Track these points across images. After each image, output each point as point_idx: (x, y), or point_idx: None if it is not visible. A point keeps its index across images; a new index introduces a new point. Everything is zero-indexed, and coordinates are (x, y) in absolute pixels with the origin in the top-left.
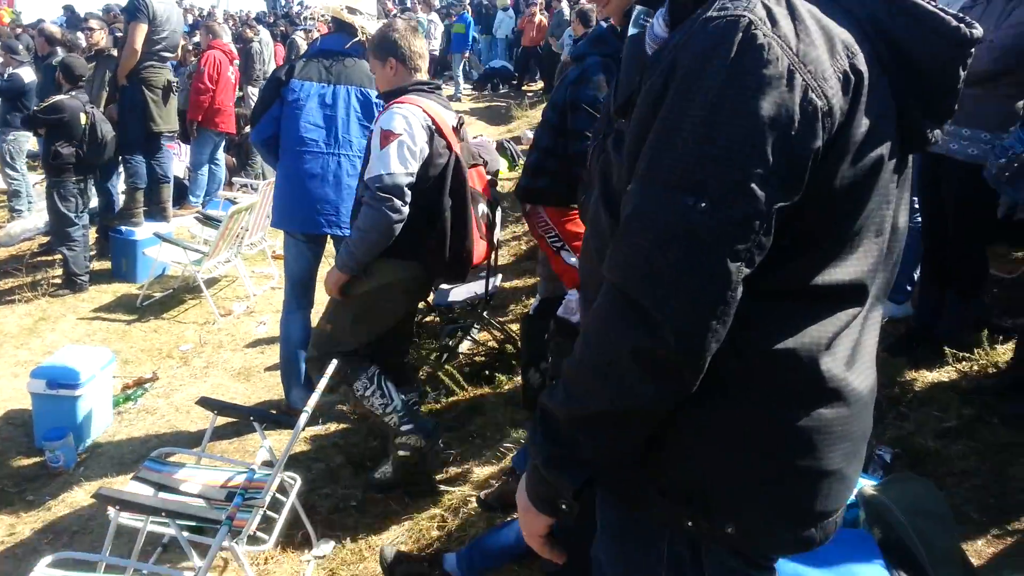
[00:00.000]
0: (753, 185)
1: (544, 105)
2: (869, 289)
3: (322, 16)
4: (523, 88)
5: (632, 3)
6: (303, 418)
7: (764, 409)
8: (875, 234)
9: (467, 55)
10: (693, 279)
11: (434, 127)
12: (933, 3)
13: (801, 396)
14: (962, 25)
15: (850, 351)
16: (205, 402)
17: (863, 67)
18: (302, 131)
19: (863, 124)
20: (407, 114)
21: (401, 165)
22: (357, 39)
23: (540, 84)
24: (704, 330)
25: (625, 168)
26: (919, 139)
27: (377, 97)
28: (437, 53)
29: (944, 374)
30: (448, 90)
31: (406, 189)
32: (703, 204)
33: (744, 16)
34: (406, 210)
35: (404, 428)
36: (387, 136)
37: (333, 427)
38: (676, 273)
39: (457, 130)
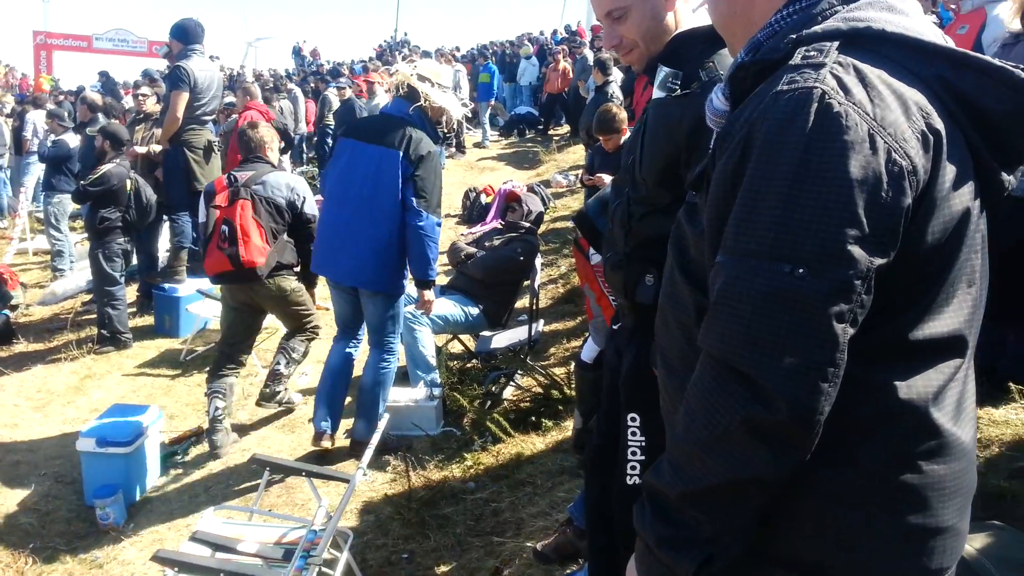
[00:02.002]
0: (850, 247)
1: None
2: (968, 340)
3: (392, 78)
4: (549, 133)
5: (649, 57)
6: (358, 475)
7: (878, 468)
8: (967, 284)
9: (492, 103)
10: (801, 345)
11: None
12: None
13: (913, 453)
14: None
15: (955, 404)
16: (258, 460)
17: (939, 125)
18: (329, 184)
19: (946, 180)
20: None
21: None
22: (419, 104)
23: (566, 128)
24: (817, 394)
25: (706, 241)
26: (996, 186)
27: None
28: (467, 102)
29: (1011, 412)
30: (476, 137)
31: None
32: (801, 270)
33: (816, 87)
34: None
35: None
36: None
37: (380, 478)
38: (783, 340)
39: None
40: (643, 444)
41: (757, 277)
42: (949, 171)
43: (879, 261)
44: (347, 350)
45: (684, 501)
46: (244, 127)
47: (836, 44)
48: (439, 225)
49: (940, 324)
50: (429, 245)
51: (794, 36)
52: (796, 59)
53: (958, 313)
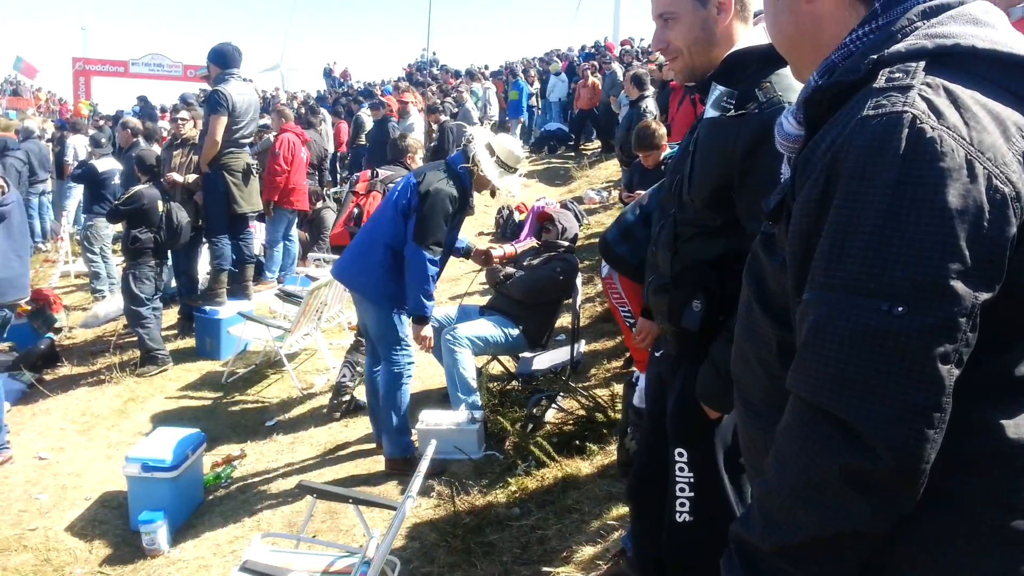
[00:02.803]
0: (952, 282)
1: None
2: None
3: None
4: (580, 148)
5: (691, 68)
6: (408, 503)
7: (983, 512)
8: None
9: (523, 120)
10: (903, 388)
11: None
12: None
13: (1016, 497)
14: None
15: None
16: (305, 488)
17: None
18: None
19: None
20: None
21: None
22: (468, 166)
23: (597, 144)
24: (922, 441)
25: (789, 274)
26: None
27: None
28: (496, 119)
29: None
30: None
31: None
32: (900, 308)
33: (907, 112)
34: None
35: None
36: None
37: (424, 503)
38: (883, 383)
39: None
40: (691, 480)
41: (851, 315)
42: None
43: (984, 296)
44: (374, 368)
45: (778, 556)
46: (396, 137)
47: (923, 64)
48: (431, 262)
49: None
50: (416, 276)
51: (875, 56)
52: (880, 81)
53: None
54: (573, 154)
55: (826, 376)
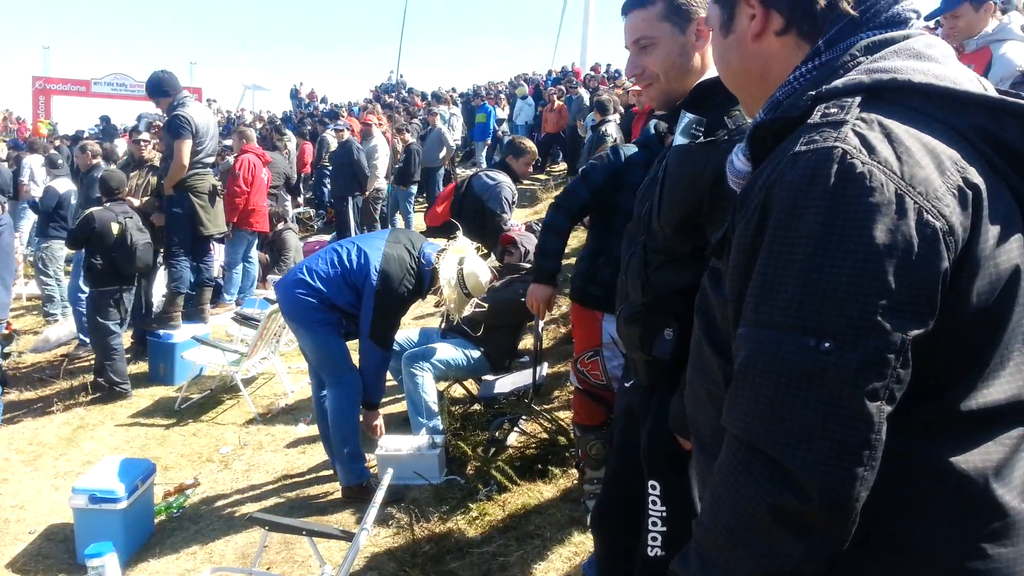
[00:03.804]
0: (879, 318)
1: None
2: None
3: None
4: (547, 170)
5: (667, 94)
6: (363, 535)
7: (936, 553)
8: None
9: (488, 142)
10: (831, 426)
11: None
12: None
13: (976, 535)
14: None
15: (1023, 478)
16: (255, 520)
17: (977, 179)
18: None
19: (990, 237)
20: None
21: None
22: (434, 265)
23: (563, 166)
24: (851, 479)
25: (730, 308)
26: None
27: None
28: (461, 143)
29: None
30: None
31: None
32: (827, 344)
33: (837, 147)
34: None
35: None
36: None
37: (382, 531)
38: (809, 421)
39: None
40: (664, 514)
41: (780, 351)
42: (992, 228)
43: (915, 332)
44: (321, 394)
45: None
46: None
47: (858, 99)
48: (385, 358)
49: (995, 391)
50: (372, 370)
51: (813, 93)
52: (815, 117)
53: (1016, 377)
54: (541, 176)
55: (756, 413)
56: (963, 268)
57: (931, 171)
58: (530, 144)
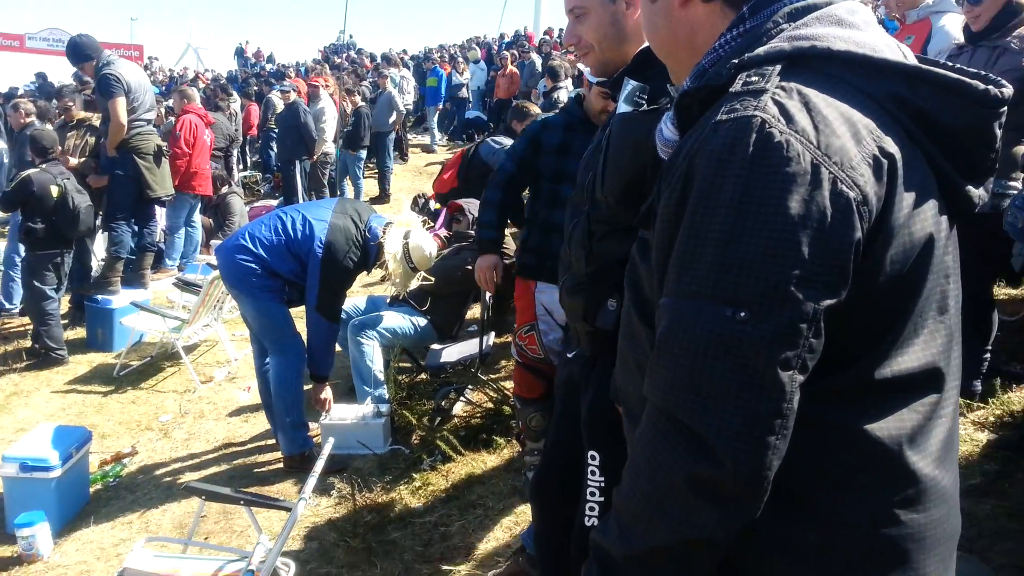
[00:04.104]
0: (793, 288)
1: None
2: (944, 372)
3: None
4: None
5: (602, 63)
6: (301, 505)
7: (852, 520)
8: (938, 312)
9: (440, 107)
10: (743, 395)
11: None
12: (953, 69)
13: (890, 501)
14: (991, 87)
15: (937, 445)
16: (192, 490)
17: (893, 148)
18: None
19: (904, 206)
20: None
21: None
22: (380, 239)
23: None
24: (763, 448)
25: (656, 278)
26: (965, 203)
27: None
28: (412, 107)
29: (959, 427)
30: (424, 140)
31: None
32: (743, 314)
33: (756, 116)
34: None
35: None
36: None
37: (324, 501)
38: (724, 390)
39: None
40: (602, 484)
41: (698, 321)
42: (907, 196)
43: (827, 301)
44: (264, 362)
45: (630, 563)
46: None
47: (778, 68)
48: (332, 329)
49: (909, 359)
50: (320, 341)
51: (736, 61)
52: (737, 86)
53: (929, 344)
54: None
55: (674, 382)
56: (877, 237)
57: (847, 140)
58: (535, 108)
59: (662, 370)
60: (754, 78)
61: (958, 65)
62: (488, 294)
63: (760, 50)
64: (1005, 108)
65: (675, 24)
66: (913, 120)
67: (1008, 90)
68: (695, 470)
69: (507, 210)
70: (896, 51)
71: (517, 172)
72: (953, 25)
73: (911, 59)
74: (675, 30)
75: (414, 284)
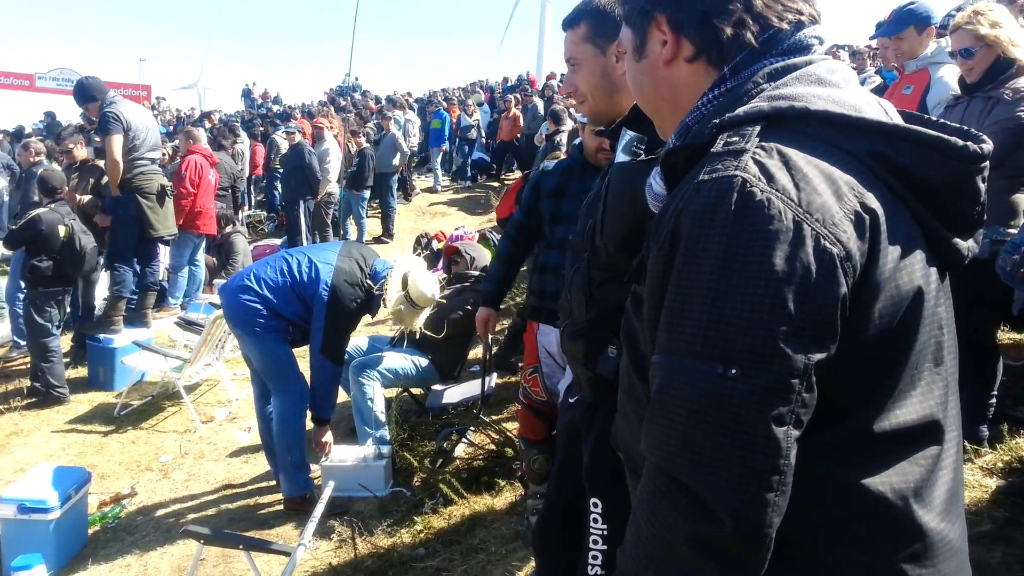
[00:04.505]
0: (782, 344)
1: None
2: (943, 424)
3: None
4: (502, 178)
5: (595, 113)
6: (300, 550)
7: None
8: (934, 363)
9: (444, 148)
10: (740, 452)
11: None
12: (934, 125)
13: (895, 557)
14: (970, 143)
15: (942, 497)
16: (191, 533)
17: (875, 204)
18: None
19: (888, 260)
20: None
21: None
22: (381, 282)
23: (518, 174)
24: (761, 505)
25: (647, 333)
26: (952, 255)
27: None
28: (416, 148)
29: (967, 473)
30: (427, 182)
31: None
32: (733, 371)
33: (737, 176)
34: None
35: None
36: None
37: (324, 545)
38: (718, 447)
39: None
40: (604, 533)
41: (689, 379)
42: (892, 250)
43: (817, 356)
44: (265, 404)
45: None
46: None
47: (758, 128)
48: (336, 373)
49: (907, 411)
50: (323, 384)
51: (716, 121)
52: (718, 146)
53: (927, 397)
54: (495, 184)
55: (670, 440)
56: (863, 292)
57: (828, 197)
58: (568, 116)
59: (657, 428)
60: (734, 138)
61: (941, 120)
62: (490, 336)
63: (740, 110)
64: (987, 163)
65: (659, 83)
66: (894, 176)
67: (988, 145)
68: (696, 529)
69: (516, 260)
70: (877, 108)
71: (524, 219)
72: (951, 76)
73: (893, 115)
74: (659, 88)
75: (420, 322)
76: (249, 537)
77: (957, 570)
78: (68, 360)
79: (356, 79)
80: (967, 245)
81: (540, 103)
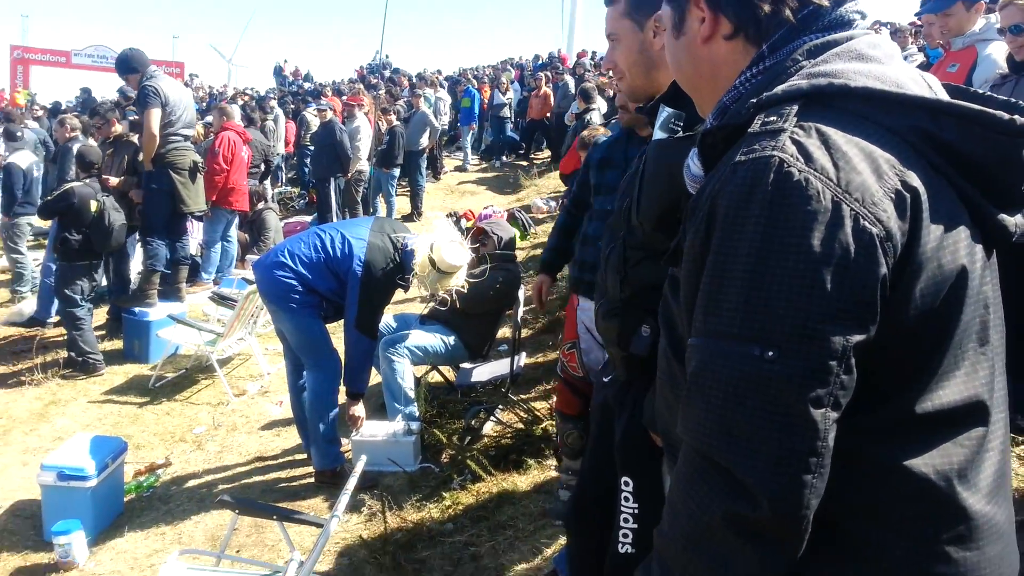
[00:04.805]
0: (820, 326)
1: (551, 172)
2: (988, 405)
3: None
4: (531, 157)
5: (633, 89)
6: (334, 522)
7: (900, 559)
8: (979, 343)
9: (474, 126)
10: (777, 434)
11: None
12: (980, 98)
13: (940, 539)
14: (1017, 117)
15: (989, 479)
16: (225, 503)
17: (916, 182)
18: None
19: (930, 239)
20: None
21: None
22: (410, 249)
23: (547, 153)
24: (799, 487)
25: (684, 316)
26: (999, 232)
27: None
28: (447, 127)
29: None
30: (457, 161)
31: None
32: (771, 353)
33: (774, 156)
34: None
35: None
36: None
37: (354, 518)
38: (756, 429)
39: None
40: (635, 511)
41: (726, 361)
42: (934, 229)
43: (856, 338)
44: (298, 378)
45: None
46: None
47: (796, 107)
48: (371, 347)
49: (951, 392)
50: (359, 359)
51: (754, 100)
52: (755, 126)
53: (972, 377)
54: (524, 163)
55: (707, 422)
56: (904, 271)
57: (868, 176)
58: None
59: (695, 411)
60: (772, 118)
61: (988, 93)
62: (520, 314)
63: (778, 89)
64: None
65: (697, 61)
66: (938, 152)
67: None
68: (733, 510)
69: (571, 232)
70: (920, 83)
71: (579, 192)
72: (999, 53)
73: (937, 90)
74: (697, 66)
75: (456, 283)
76: (282, 508)
77: (1003, 553)
78: (104, 333)
79: (387, 56)
80: (1014, 221)
81: (571, 81)
